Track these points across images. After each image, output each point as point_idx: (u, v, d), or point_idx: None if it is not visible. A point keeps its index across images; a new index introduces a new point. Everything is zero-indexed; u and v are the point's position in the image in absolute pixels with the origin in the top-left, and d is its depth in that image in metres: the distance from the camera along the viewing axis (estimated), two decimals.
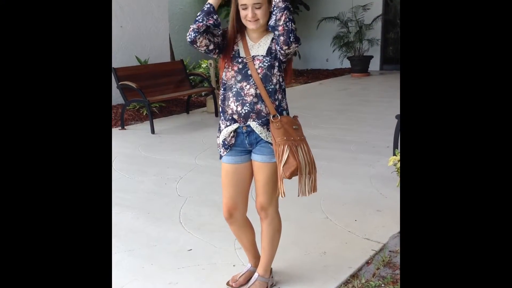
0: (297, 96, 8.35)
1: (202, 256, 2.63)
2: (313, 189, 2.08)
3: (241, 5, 1.95)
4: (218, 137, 2.12)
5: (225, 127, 2.07)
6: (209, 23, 1.95)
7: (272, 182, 2.06)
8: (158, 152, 4.95)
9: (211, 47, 1.99)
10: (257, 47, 2.04)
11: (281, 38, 1.89)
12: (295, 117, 2.10)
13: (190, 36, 1.95)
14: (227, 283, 2.31)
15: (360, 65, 10.89)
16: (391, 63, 11.75)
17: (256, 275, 2.26)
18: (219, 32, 2.02)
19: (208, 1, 1.99)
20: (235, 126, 2.04)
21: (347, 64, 11.41)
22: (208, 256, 2.62)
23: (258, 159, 2.06)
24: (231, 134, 2.05)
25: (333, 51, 11.49)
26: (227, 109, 2.05)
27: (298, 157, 1.98)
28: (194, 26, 1.94)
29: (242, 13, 1.96)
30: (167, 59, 8.36)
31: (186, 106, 7.18)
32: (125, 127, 6.18)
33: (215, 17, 1.97)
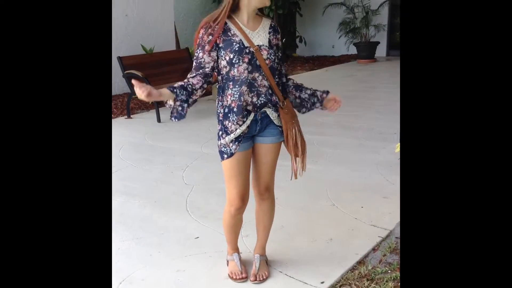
0: (304, 83, 8.30)
1: (209, 244, 2.65)
2: (305, 167, 2.19)
3: None
4: (223, 138, 2.01)
5: (240, 125, 1.98)
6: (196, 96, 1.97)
7: (276, 161, 2.17)
8: (164, 140, 4.96)
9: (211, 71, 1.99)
10: (257, 36, 2.00)
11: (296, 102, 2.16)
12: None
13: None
14: (230, 277, 2.31)
15: (366, 51, 10.80)
16: (398, 48, 11.62)
17: (257, 256, 2.33)
18: (210, 64, 1.97)
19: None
20: (252, 116, 2.01)
21: (353, 50, 11.32)
22: (215, 244, 2.63)
23: (268, 141, 2.09)
24: (248, 124, 2.01)
25: (339, 38, 11.41)
26: (243, 104, 1.96)
27: (302, 135, 2.14)
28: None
29: None
30: (173, 47, 8.34)
31: None
32: (131, 116, 6.20)
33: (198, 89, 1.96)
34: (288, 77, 2.18)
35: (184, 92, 1.91)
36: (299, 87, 2.17)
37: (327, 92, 2.17)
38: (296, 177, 2.13)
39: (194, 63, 1.99)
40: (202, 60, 1.96)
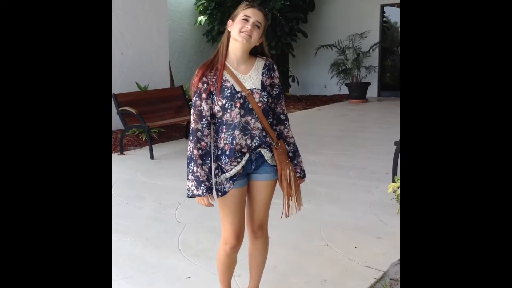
0: (296, 122, 8.39)
1: (201, 284, 2.60)
2: (300, 206, 2.18)
3: (244, 15, 1.94)
4: (218, 176, 2.05)
5: (235, 165, 2.00)
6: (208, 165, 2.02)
7: (270, 199, 2.15)
8: (157, 177, 4.94)
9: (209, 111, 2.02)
10: (249, 79, 2.01)
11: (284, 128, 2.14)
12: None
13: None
14: None
15: (358, 92, 11.00)
16: (388, 89, 11.87)
17: None
18: (208, 107, 2.00)
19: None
20: (247, 157, 2.02)
21: (345, 90, 11.53)
22: (207, 284, 2.59)
23: (263, 178, 2.09)
24: (243, 164, 2.02)
25: (331, 78, 11.62)
26: (236, 147, 1.99)
27: (296, 175, 2.13)
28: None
29: (241, 24, 1.94)
30: (167, 85, 8.43)
31: (186, 132, 7.20)
32: (124, 152, 6.19)
33: (208, 163, 2.01)
34: (282, 123, 2.14)
35: (211, 166, 2.03)
36: (285, 141, 2.14)
37: (303, 176, 2.18)
38: (287, 216, 2.12)
39: (193, 110, 2.01)
40: (202, 108, 1.99)
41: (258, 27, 1.96)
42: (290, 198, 2.11)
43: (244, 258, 2.46)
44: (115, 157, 5.96)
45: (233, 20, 1.98)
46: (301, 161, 2.18)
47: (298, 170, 2.15)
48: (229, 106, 1.96)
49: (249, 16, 1.94)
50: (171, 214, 3.78)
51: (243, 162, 2.01)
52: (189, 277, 2.70)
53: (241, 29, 1.93)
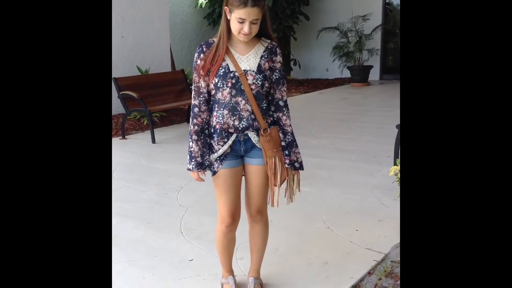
0: (298, 106, 8.37)
1: (203, 267, 2.62)
2: (292, 197, 2.18)
3: (238, 18, 1.89)
4: (209, 156, 2.08)
5: (222, 145, 2.03)
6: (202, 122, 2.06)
7: (267, 184, 2.12)
8: (159, 161, 4.95)
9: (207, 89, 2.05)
10: (246, 60, 2.00)
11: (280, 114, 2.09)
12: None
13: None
14: None
15: (360, 75, 10.93)
16: (390, 72, 11.80)
17: (251, 279, 2.31)
18: (205, 88, 2.04)
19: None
20: (233, 137, 2.03)
21: (347, 73, 11.46)
22: (210, 266, 2.61)
23: (255, 163, 2.08)
24: (230, 144, 2.04)
25: (333, 61, 11.55)
26: (223, 126, 2.01)
27: (283, 165, 2.09)
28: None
29: (237, 25, 1.90)
30: (168, 69, 8.39)
31: (187, 116, 7.19)
32: (125, 136, 6.19)
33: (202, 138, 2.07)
34: (280, 110, 2.08)
35: (207, 143, 2.07)
36: (281, 128, 2.09)
37: (298, 168, 2.12)
38: (272, 205, 2.11)
39: (193, 86, 2.07)
40: (199, 85, 2.05)
41: (256, 22, 1.92)
42: (275, 187, 2.07)
43: (246, 241, 2.48)
44: (117, 141, 5.96)
45: (229, 8, 1.92)
46: (298, 152, 2.10)
47: (287, 161, 2.07)
48: (221, 85, 1.98)
49: (244, 19, 1.89)
50: (173, 197, 3.80)
51: (230, 142, 2.03)
52: (192, 259, 2.72)
53: (239, 31, 1.92)
